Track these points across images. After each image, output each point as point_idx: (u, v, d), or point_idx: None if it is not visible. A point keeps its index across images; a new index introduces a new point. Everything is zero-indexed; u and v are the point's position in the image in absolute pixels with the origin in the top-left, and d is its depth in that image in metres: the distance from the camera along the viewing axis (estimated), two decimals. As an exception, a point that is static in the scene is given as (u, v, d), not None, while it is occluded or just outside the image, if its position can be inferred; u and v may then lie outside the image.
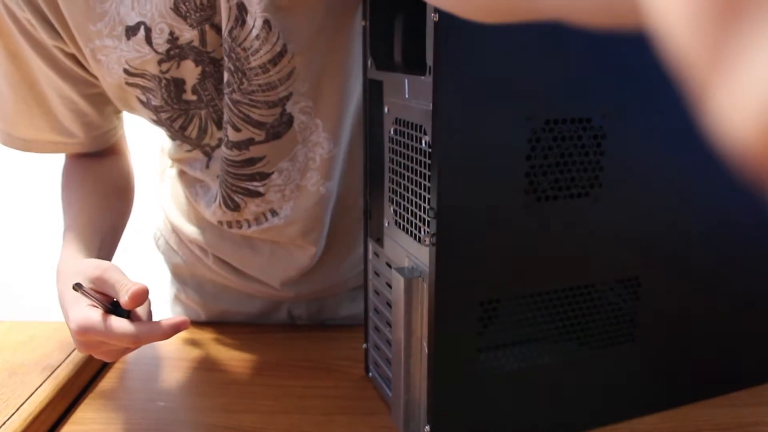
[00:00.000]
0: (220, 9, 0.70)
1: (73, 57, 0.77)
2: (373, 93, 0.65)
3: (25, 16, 0.72)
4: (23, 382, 0.73)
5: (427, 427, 0.58)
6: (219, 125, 0.79)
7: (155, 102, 0.77)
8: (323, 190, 0.83)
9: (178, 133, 0.81)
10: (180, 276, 1.00)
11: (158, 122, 0.80)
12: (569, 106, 0.56)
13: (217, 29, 0.72)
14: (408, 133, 0.58)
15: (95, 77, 0.78)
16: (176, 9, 0.70)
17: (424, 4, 0.52)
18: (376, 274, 0.69)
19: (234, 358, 0.82)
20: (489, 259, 0.56)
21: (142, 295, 0.62)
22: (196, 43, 0.73)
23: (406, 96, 0.58)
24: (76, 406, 0.72)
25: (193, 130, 0.80)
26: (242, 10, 0.70)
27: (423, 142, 0.55)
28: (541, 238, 0.58)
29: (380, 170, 0.65)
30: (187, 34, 0.72)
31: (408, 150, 0.58)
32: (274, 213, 0.84)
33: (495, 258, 0.56)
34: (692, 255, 0.65)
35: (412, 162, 0.58)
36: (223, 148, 0.79)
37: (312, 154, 0.81)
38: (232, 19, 0.70)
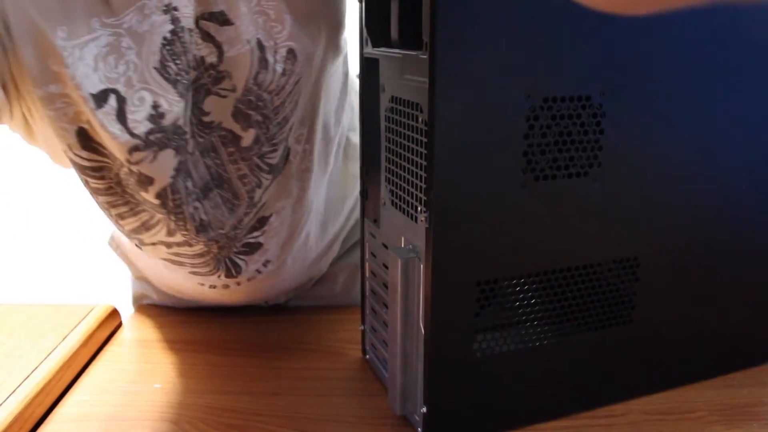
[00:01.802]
0: (231, 60, 0.60)
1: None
2: (368, 71, 0.64)
3: None
4: (19, 364, 0.72)
5: (424, 409, 0.58)
6: (171, 233, 0.67)
7: (96, 184, 0.63)
8: (313, 215, 0.77)
9: (110, 218, 0.68)
10: (146, 278, 0.91)
11: (89, 195, 0.65)
12: (568, 84, 0.55)
13: (219, 95, 0.61)
14: (404, 111, 0.57)
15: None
16: (163, 69, 0.58)
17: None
18: (373, 255, 0.68)
19: (229, 340, 0.81)
20: (486, 240, 0.56)
21: None
22: (181, 122, 0.60)
23: (403, 74, 0.57)
24: (71, 389, 0.72)
25: (132, 224, 0.67)
26: (262, 48, 0.61)
27: (419, 119, 0.54)
28: (539, 217, 0.57)
29: (376, 149, 0.64)
30: (176, 108, 0.59)
31: (404, 128, 0.57)
32: (267, 263, 0.76)
33: (492, 238, 0.56)
34: (691, 235, 0.64)
35: (408, 140, 0.57)
36: (244, 220, 0.70)
37: (302, 183, 0.73)
38: (255, 63, 0.61)
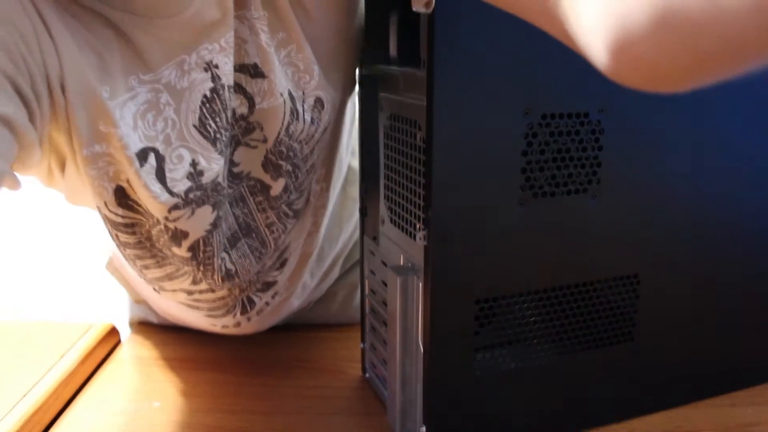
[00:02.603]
0: (263, 112, 0.60)
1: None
2: (367, 89, 0.64)
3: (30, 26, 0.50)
4: (17, 382, 0.72)
5: (423, 428, 0.58)
6: (195, 281, 0.68)
7: (126, 239, 0.63)
8: (320, 244, 0.78)
9: (134, 268, 0.67)
10: (145, 302, 0.90)
11: (115, 246, 0.64)
12: (566, 101, 0.55)
13: (249, 145, 0.61)
14: (402, 129, 0.57)
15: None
16: (202, 127, 0.57)
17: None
18: (372, 272, 0.68)
19: (228, 357, 0.81)
20: (485, 257, 0.55)
21: None
22: (220, 179, 0.60)
23: (401, 91, 0.57)
24: (69, 407, 0.72)
25: (157, 274, 0.67)
26: (292, 99, 0.61)
27: (417, 137, 0.54)
28: (538, 235, 0.57)
29: (375, 167, 0.64)
30: (215, 166, 0.59)
31: (403, 146, 0.57)
32: (275, 295, 0.76)
33: (491, 256, 0.55)
34: (692, 252, 0.64)
35: (406, 158, 0.57)
36: (268, 264, 0.70)
37: (315, 218, 0.74)
38: (287, 114, 0.61)
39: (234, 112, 0.60)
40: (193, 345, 0.84)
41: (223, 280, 0.68)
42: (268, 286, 0.75)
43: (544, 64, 0.53)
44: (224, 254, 0.66)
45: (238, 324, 0.77)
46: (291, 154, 0.63)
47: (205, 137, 0.58)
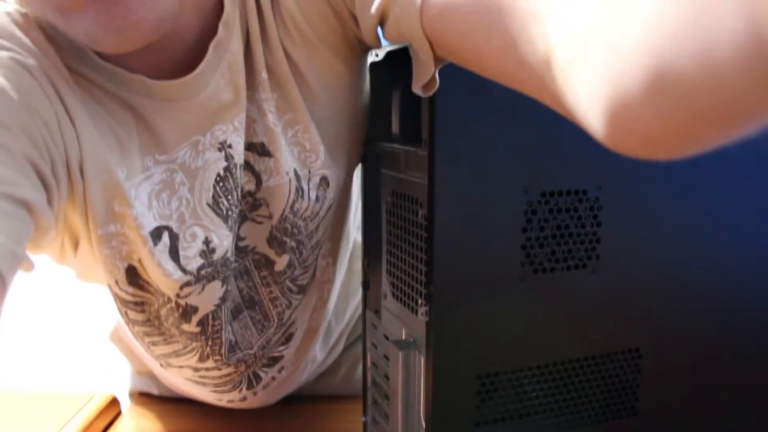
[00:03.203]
0: (269, 189, 0.61)
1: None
2: (370, 165, 0.65)
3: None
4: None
5: (425, 505, 0.57)
6: (202, 358, 0.68)
7: (135, 316, 0.64)
8: (328, 320, 0.78)
9: (142, 344, 0.68)
10: (149, 374, 0.90)
11: (123, 323, 0.65)
12: (565, 178, 0.56)
13: (255, 221, 0.63)
14: (404, 206, 0.58)
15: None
16: (216, 205, 0.59)
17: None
18: (374, 346, 0.68)
19: (230, 430, 0.80)
20: (486, 333, 0.56)
21: None
22: (229, 254, 0.61)
23: (403, 168, 0.58)
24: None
25: (164, 351, 0.68)
26: (298, 177, 0.62)
27: (419, 214, 0.55)
28: (539, 310, 0.57)
29: (378, 242, 0.65)
30: (225, 242, 0.60)
31: (404, 222, 0.58)
32: (281, 369, 0.76)
33: (492, 331, 0.56)
34: (693, 326, 0.64)
35: (408, 234, 0.58)
36: (272, 339, 0.70)
37: (321, 293, 0.74)
38: (293, 192, 0.62)
39: (242, 188, 0.61)
40: (193, 417, 0.84)
41: (227, 353, 0.68)
42: (274, 361, 0.75)
43: (542, 142, 0.55)
44: (228, 326, 0.67)
45: (244, 399, 0.77)
46: (295, 231, 0.64)
47: (218, 215, 0.59)
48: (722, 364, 0.66)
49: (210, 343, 0.66)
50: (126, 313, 0.63)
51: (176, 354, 0.68)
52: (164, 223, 0.57)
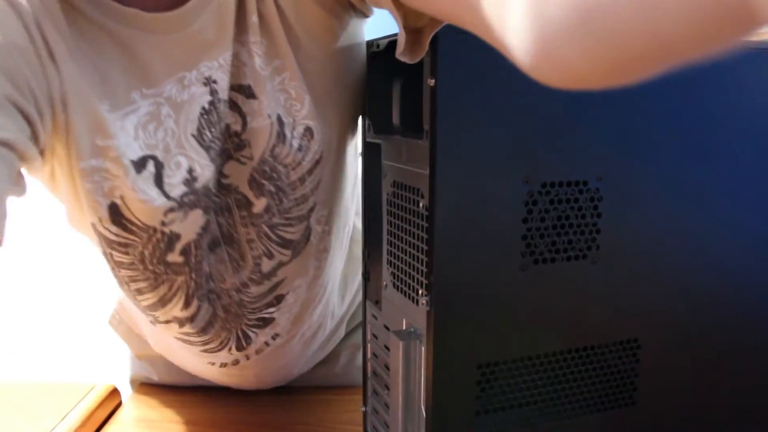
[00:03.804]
0: (252, 131, 0.64)
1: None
2: (371, 155, 0.66)
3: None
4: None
5: (426, 494, 0.57)
6: (187, 301, 0.70)
7: (120, 258, 0.66)
8: (327, 295, 0.79)
9: (130, 293, 0.70)
10: (148, 358, 0.91)
11: (110, 269, 0.68)
12: (565, 169, 0.56)
13: (239, 161, 0.65)
14: (405, 196, 0.58)
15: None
16: (199, 136, 0.62)
17: (422, 68, 0.53)
18: (374, 336, 0.69)
19: (229, 420, 0.81)
20: (487, 322, 0.56)
21: None
22: (211, 184, 0.65)
23: (404, 159, 0.58)
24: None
25: (150, 300, 0.70)
26: (281, 123, 0.65)
27: (420, 205, 0.55)
28: (538, 300, 0.57)
29: (379, 232, 0.65)
30: (207, 172, 0.64)
31: (405, 213, 0.59)
32: (276, 336, 0.77)
33: (493, 321, 0.56)
34: (692, 317, 0.64)
35: (409, 225, 0.58)
36: (251, 287, 0.72)
37: (319, 263, 0.76)
38: (274, 136, 0.65)
39: (229, 128, 0.64)
40: (194, 407, 0.84)
41: (207, 281, 0.70)
42: (264, 322, 0.75)
43: (543, 133, 0.55)
44: (203, 253, 0.69)
45: (236, 362, 0.78)
46: (275, 176, 0.66)
47: (201, 145, 0.62)
48: (720, 354, 0.67)
49: (194, 276, 0.68)
50: (111, 255, 0.65)
51: (162, 302, 0.70)
52: (150, 153, 0.60)
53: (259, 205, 0.67)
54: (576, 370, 0.61)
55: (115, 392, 0.86)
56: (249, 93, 0.64)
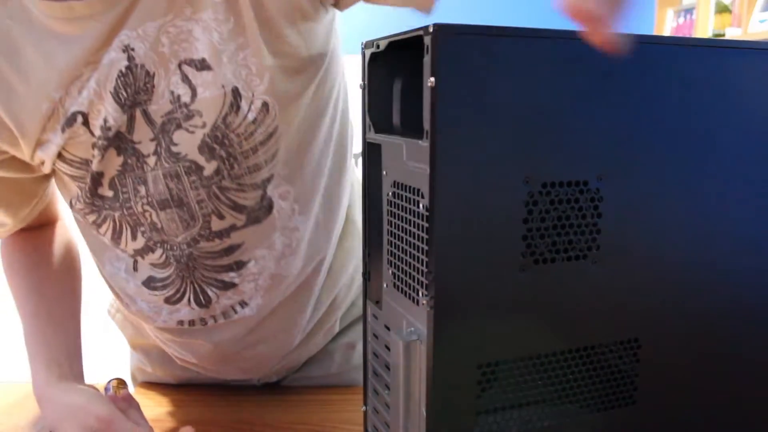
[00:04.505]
0: (160, 95, 0.71)
1: (12, 159, 0.76)
2: (371, 156, 0.66)
3: None
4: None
5: (426, 494, 0.57)
6: (134, 232, 0.77)
7: (76, 188, 0.76)
8: (297, 272, 0.82)
9: (92, 227, 0.79)
10: (142, 348, 0.95)
11: (76, 211, 0.79)
12: (566, 169, 0.56)
13: (148, 119, 0.72)
14: (406, 197, 0.58)
15: (26, 168, 0.78)
16: (116, 94, 0.70)
17: (422, 68, 0.53)
18: (375, 336, 0.69)
19: (229, 420, 0.81)
20: (487, 323, 0.56)
21: None
22: (123, 129, 0.72)
23: (404, 159, 0.58)
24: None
25: (107, 231, 0.78)
26: (237, 95, 0.70)
27: (421, 205, 0.55)
28: (539, 300, 0.57)
29: (379, 232, 0.66)
30: (119, 120, 0.71)
31: (406, 213, 0.59)
32: (243, 304, 0.81)
33: (493, 321, 0.56)
34: (693, 316, 0.64)
35: (410, 225, 0.58)
36: (201, 242, 0.77)
37: (289, 241, 0.79)
38: (226, 105, 0.70)
39: (179, 98, 0.70)
40: (193, 406, 0.84)
41: (150, 230, 0.77)
42: (224, 285, 0.79)
43: (543, 133, 0.55)
44: (149, 208, 0.75)
45: (203, 321, 0.81)
46: (226, 142, 0.72)
47: (116, 101, 0.70)
48: (721, 354, 0.67)
49: (127, 212, 0.75)
50: (78, 187, 0.75)
51: (117, 233, 0.77)
52: (80, 109, 0.70)
53: (210, 168, 0.73)
54: (576, 370, 0.61)
55: (115, 392, 0.86)
56: (202, 65, 0.69)
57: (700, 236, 0.63)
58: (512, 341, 0.58)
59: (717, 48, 0.61)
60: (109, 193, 0.74)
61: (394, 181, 0.61)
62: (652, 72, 0.58)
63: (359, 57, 0.66)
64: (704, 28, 3.59)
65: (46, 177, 0.81)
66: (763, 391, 0.70)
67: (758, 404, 0.70)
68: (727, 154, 0.62)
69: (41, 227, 0.89)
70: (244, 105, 0.70)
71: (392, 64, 0.64)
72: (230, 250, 0.77)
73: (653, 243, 0.61)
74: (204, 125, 0.71)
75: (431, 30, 0.51)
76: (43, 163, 0.75)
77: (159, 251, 0.78)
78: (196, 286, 0.79)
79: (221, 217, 0.75)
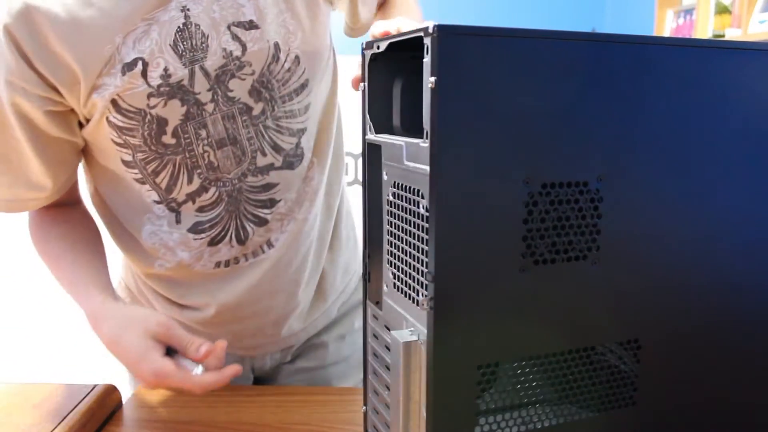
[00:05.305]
0: (213, 52, 0.83)
1: (58, 113, 0.83)
2: (371, 156, 0.66)
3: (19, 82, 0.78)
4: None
5: (426, 494, 0.57)
6: (191, 177, 0.89)
7: (134, 141, 0.85)
8: (310, 219, 0.97)
9: (149, 177, 0.88)
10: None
11: (132, 164, 0.87)
12: (566, 170, 0.56)
13: (205, 72, 0.84)
14: (406, 197, 0.58)
15: (73, 129, 0.86)
16: (175, 46, 0.82)
17: (422, 68, 0.53)
18: (375, 336, 0.69)
19: (229, 421, 0.81)
20: (487, 323, 0.56)
21: (209, 354, 0.77)
22: (185, 83, 0.83)
23: (404, 160, 0.58)
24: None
25: (164, 179, 0.88)
26: (278, 48, 0.86)
27: (421, 206, 0.55)
28: (539, 301, 0.57)
29: (379, 233, 0.66)
30: (180, 73, 0.82)
31: (406, 214, 0.59)
32: (270, 245, 0.95)
33: (493, 322, 0.56)
34: (692, 317, 0.64)
35: (410, 226, 0.58)
36: (248, 177, 0.90)
37: (307, 188, 0.96)
38: (270, 56, 0.86)
39: (231, 53, 0.84)
40: (194, 407, 0.84)
41: (207, 169, 0.88)
42: (259, 220, 0.93)
43: (543, 134, 0.55)
44: (209, 149, 0.87)
45: (236, 260, 0.94)
46: (269, 86, 0.87)
47: (175, 53, 0.82)
48: (721, 354, 0.67)
49: (188, 155, 0.87)
50: (127, 141, 0.84)
51: (173, 179, 0.88)
52: (140, 56, 0.80)
53: (257, 108, 0.88)
54: (576, 370, 0.61)
55: (115, 392, 0.86)
56: (250, 25, 0.84)
57: (699, 237, 0.63)
58: (512, 342, 0.58)
59: (717, 48, 0.61)
60: (172, 141, 0.86)
61: (394, 182, 0.61)
62: (652, 73, 0.58)
63: (359, 57, 0.66)
64: (704, 28, 3.59)
65: (80, 152, 0.91)
66: (763, 392, 0.70)
67: (758, 404, 0.70)
68: (727, 155, 0.63)
69: (66, 206, 0.96)
70: (281, 56, 0.86)
71: (391, 65, 0.64)
72: (268, 187, 0.91)
73: (653, 244, 0.61)
74: (253, 73, 0.86)
75: (431, 31, 0.51)
76: (90, 115, 0.83)
77: (212, 190, 0.90)
78: (238, 222, 0.91)
79: (264, 154, 0.90)
